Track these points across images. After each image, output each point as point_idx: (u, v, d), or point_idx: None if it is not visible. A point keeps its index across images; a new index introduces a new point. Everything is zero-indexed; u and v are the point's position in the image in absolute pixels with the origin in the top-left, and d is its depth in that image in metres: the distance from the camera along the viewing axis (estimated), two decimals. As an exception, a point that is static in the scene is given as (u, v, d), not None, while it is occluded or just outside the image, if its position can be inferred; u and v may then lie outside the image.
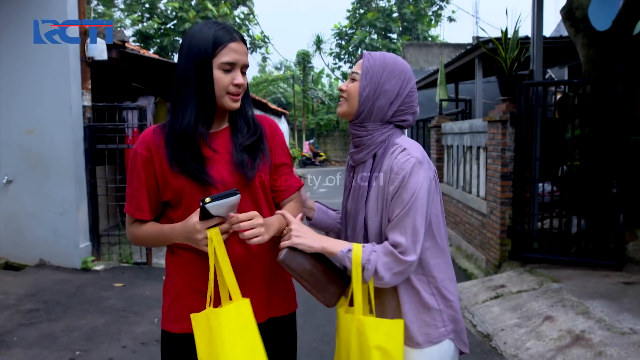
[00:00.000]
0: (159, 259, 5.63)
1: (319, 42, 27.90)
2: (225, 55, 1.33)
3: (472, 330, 3.72)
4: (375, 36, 28.61)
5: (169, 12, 22.29)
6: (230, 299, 1.34)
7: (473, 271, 5.50)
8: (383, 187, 1.35)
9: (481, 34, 24.46)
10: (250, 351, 1.29)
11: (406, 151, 1.34)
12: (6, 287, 4.34)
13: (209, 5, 21.31)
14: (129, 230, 1.45)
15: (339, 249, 1.32)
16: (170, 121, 1.38)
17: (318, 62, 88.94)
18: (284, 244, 1.34)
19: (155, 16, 21.82)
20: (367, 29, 28.62)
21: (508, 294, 4.13)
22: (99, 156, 5.40)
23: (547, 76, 10.73)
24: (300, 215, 1.42)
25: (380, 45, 27.69)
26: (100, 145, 5.33)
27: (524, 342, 3.26)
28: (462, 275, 5.51)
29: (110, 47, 5.26)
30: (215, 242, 1.29)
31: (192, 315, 1.32)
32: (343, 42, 29.92)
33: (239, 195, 1.25)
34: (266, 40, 27.74)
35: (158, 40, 21.50)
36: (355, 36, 28.70)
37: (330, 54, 30.35)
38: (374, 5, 29.05)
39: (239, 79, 1.35)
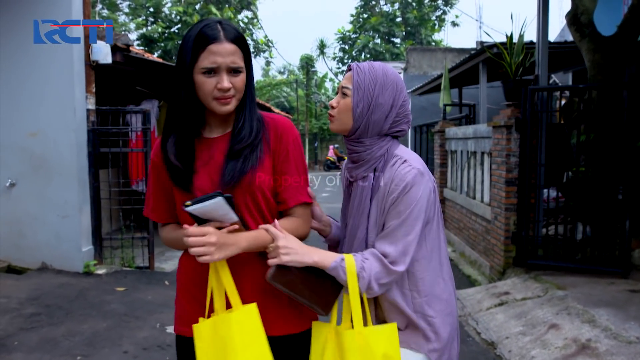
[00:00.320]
0: (161, 263, 5.61)
1: (322, 46, 28.00)
2: (205, 60, 1.25)
3: (476, 338, 3.68)
4: (378, 41, 28.69)
5: (173, 16, 22.40)
6: (230, 307, 1.29)
7: (477, 277, 5.46)
8: (382, 199, 1.33)
9: (485, 38, 24.48)
10: (262, 358, 1.26)
11: (407, 162, 1.33)
12: (8, 291, 4.33)
13: (213, 10, 21.41)
14: (159, 232, 1.51)
15: (332, 261, 1.29)
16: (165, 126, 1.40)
17: (321, 67, 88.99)
18: (271, 262, 1.27)
19: (159, 20, 21.93)
20: (371, 34, 28.70)
21: (512, 301, 4.09)
22: (102, 159, 5.39)
23: (551, 81, 10.70)
24: (276, 224, 1.32)
25: (383, 50, 27.75)
26: (104, 148, 5.33)
27: (528, 350, 3.22)
28: (466, 281, 5.48)
29: (114, 51, 5.27)
30: None
31: (195, 326, 1.29)
32: (346, 47, 30.01)
33: (219, 198, 1.20)
34: (270, 44, 27.86)
35: (162, 44, 21.60)
36: (358, 41, 28.80)
37: (334, 59, 30.46)
38: (377, 10, 29.15)
39: (223, 83, 1.26)
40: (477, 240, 5.89)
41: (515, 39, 4.81)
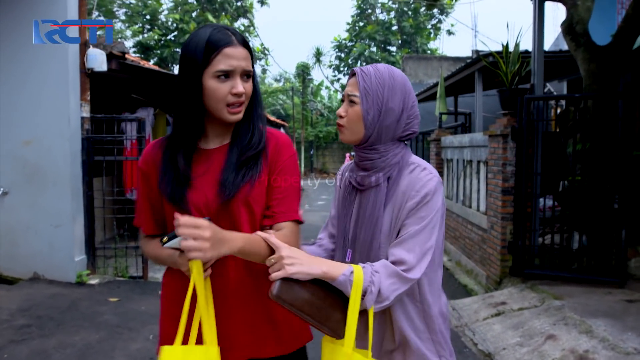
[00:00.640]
0: (155, 273, 5.55)
1: (318, 54, 28.11)
2: (220, 63, 1.19)
3: (473, 349, 3.65)
4: (374, 49, 28.84)
5: (169, 23, 22.43)
6: (202, 341, 1.20)
7: (473, 287, 5.43)
8: (400, 206, 1.28)
9: (480, 47, 24.64)
10: None
11: (428, 170, 1.29)
12: (-1, 301, 4.27)
13: (210, 17, 21.45)
14: (140, 243, 1.44)
15: (340, 272, 1.16)
16: (169, 136, 1.34)
17: (317, 74, 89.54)
18: (275, 275, 1.12)
19: (155, 27, 21.95)
20: (367, 42, 28.86)
21: (509, 311, 4.07)
22: (96, 167, 5.35)
23: (545, 90, 10.75)
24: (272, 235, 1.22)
25: (379, 58, 27.88)
26: (98, 157, 5.29)
27: (526, 361, 3.19)
28: (462, 291, 5.44)
29: (110, 58, 5.25)
30: (195, 275, 1.14)
31: (163, 348, 1.20)
32: (342, 55, 30.16)
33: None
34: (266, 52, 27.93)
35: (158, 52, 21.60)
36: (354, 49, 28.94)
37: (330, 66, 30.57)
38: (373, 19, 29.33)
39: (238, 87, 1.20)
40: (474, 249, 5.87)
41: (511, 48, 4.83)
